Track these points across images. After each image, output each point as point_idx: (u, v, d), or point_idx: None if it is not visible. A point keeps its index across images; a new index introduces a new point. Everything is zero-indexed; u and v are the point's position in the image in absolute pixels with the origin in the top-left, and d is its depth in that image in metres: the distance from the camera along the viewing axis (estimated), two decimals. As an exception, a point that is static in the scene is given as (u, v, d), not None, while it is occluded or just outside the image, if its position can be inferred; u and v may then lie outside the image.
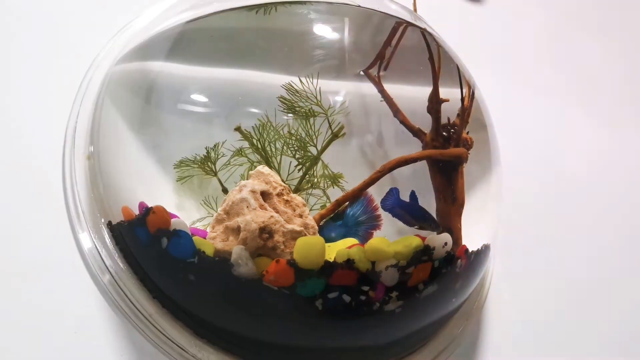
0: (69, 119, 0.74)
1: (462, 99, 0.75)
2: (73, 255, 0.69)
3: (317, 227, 0.68)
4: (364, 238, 0.70)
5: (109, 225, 0.69)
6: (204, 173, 0.71)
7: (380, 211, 0.71)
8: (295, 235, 0.64)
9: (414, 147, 0.74)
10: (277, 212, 0.66)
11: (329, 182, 0.71)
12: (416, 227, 0.70)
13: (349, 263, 0.62)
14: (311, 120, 0.70)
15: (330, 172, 0.71)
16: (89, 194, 0.70)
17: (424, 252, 0.65)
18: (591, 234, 1.00)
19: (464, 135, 0.74)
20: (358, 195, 0.71)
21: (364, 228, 0.71)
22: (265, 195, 0.67)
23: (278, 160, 0.71)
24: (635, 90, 1.17)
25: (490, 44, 1.12)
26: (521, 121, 1.06)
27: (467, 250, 0.71)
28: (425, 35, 0.77)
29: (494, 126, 0.80)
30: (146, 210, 0.64)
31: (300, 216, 0.68)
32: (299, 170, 0.71)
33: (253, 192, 0.66)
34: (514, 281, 0.91)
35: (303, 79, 0.70)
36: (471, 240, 0.72)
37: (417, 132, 0.73)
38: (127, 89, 0.74)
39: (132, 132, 0.72)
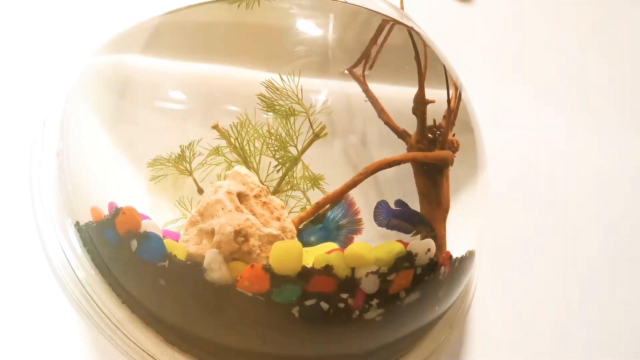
0: (37, 112, 0.72)
1: (449, 101, 0.72)
2: (37, 257, 0.67)
3: (295, 231, 0.66)
4: (345, 243, 0.68)
5: (77, 226, 0.66)
6: (179, 172, 0.69)
7: (362, 215, 0.69)
8: (272, 239, 0.62)
9: (399, 148, 0.72)
10: (254, 214, 0.64)
11: (309, 184, 0.69)
12: (413, 233, 0.68)
13: (328, 269, 0.60)
14: (292, 119, 0.68)
15: (310, 173, 0.69)
16: (57, 193, 0.68)
17: (406, 259, 0.63)
18: (580, 240, 0.98)
19: (450, 137, 0.72)
20: (339, 198, 0.69)
21: (345, 232, 0.69)
22: (241, 196, 0.64)
23: (257, 160, 0.69)
24: (627, 93, 1.15)
25: (480, 45, 1.11)
26: (509, 124, 1.04)
27: (451, 256, 0.69)
28: (412, 34, 0.75)
29: (481, 129, 0.77)
30: (116, 211, 0.62)
31: (278, 219, 0.66)
32: (278, 171, 0.69)
33: (229, 193, 0.64)
34: (499, 288, 0.90)
35: (284, 76, 0.68)
36: (455, 246, 0.70)
37: (401, 134, 0.71)
38: (100, 83, 0.71)
39: (104, 128, 0.69)
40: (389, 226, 0.67)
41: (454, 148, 0.72)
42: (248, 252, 0.61)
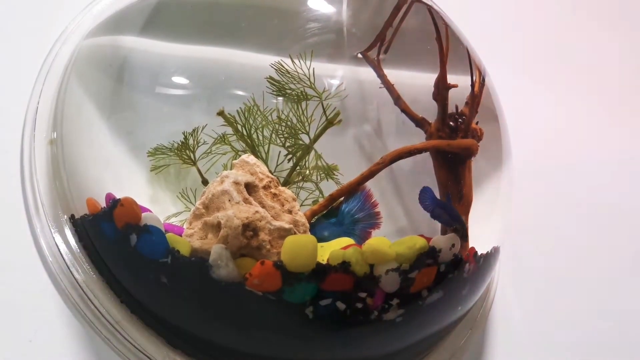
0: (30, 98, 0.68)
1: (472, 85, 0.68)
2: (30, 253, 0.63)
3: (308, 225, 0.62)
4: (362, 238, 0.65)
5: (72, 219, 0.63)
6: (182, 162, 0.66)
7: (380, 207, 0.66)
8: (283, 233, 0.58)
9: (417, 138, 0.68)
10: (264, 206, 0.60)
11: (323, 175, 0.66)
12: (452, 229, 0.64)
13: (344, 266, 0.57)
14: (303, 104, 0.65)
15: (324, 163, 0.66)
16: (50, 184, 0.64)
17: (429, 255, 0.60)
18: (606, 235, 0.95)
19: (473, 125, 0.69)
20: (355, 189, 0.66)
21: (362, 226, 0.66)
22: (250, 187, 0.61)
23: (266, 149, 0.66)
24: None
25: (503, 32, 1.07)
26: (534, 114, 1.01)
27: (476, 253, 0.65)
28: (433, 13, 0.70)
29: (505, 117, 0.72)
30: (113, 203, 0.58)
31: (290, 212, 0.62)
32: (289, 160, 0.66)
33: (236, 183, 0.60)
34: (521, 287, 0.86)
35: (295, 59, 0.64)
36: (479, 242, 0.67)
37: (420, 122, 0.68)
38: (97, 67, 0.68)
39: (101, 115, 0.66)
40: (434, 214, 0.64)
41: (478, 137, 0.69)
42: (257, 247, 0.57)
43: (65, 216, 0.63)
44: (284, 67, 0.64)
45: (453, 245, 0.61)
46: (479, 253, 0.66)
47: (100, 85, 0.67)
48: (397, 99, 0.69)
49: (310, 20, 0.69)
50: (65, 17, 0.73)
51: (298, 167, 0.66)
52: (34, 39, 0.73)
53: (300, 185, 0.66)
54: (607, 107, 1.07)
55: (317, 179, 0.66)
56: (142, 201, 0.61)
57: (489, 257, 0.69)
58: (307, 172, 0.66)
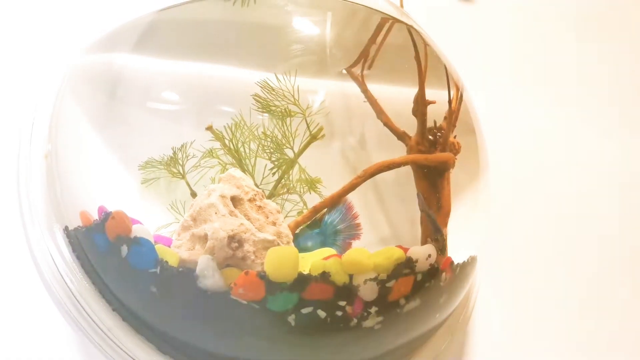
0: (25, 113, 0.70)
1: (450, 101, 0.70)
2: (25, 263, 0.65)
3: (291, 236, 0.64)
4: (342, 248, 0.66)
5: (66, 230, 0.65)
6: (171, 175, 0.67)
7: (360, 219, 0.67)
8: (267, 244, 0.60)
9: (398, 150, 0.70)
10: (249, 219, 0.62)
11: (306, 187, 0.67)
12: (432, 240, 0.66)
13: (325, 276, 0.59)
14: (288, 120, 0.66)
15: (307, 176, 0.67)
16: (45, 196, 0.66)
17: (406, 265, 0.62)
18: (585, 244, 0.97)
19: (451, 139, 0.71)
20: (337, 201, 0.67)
21: (343, 237, 0.67)
22: (236, 200, 0.63)
23: (252, 163, 0.68)
24: (632, 93, 1.12)
25: (481, 43, 1.09)
26: (513, 124, 1.02)
27: (452, 262, 0.67)
28: (412, 33, 0.73)
29: (483, 130, 0.75)
30: (105, 215, 0.60)
31: (274, 224, 0.64)
32: (274, 174, 0.67)
33: (223, 197, 0.62)
34: (501, 293, 0.88)
35: (280, 76, 0.66)
36: (457, 251, 0.69)
37: (401, 135, 0.70)
38: (90, 83, 0.70)
39: (94, 129, 0.68)
40: (422, 214, 0.67)
41: (455, 150, 0.71)
42: (242, 258, 0.59)
43: (60, 228, 0.65)
44: (269, 84, 0.66)
45: (429, 255, 0.63)
46: (456, 262, 0.68)
47: (93, 100, 0.69)
48: (380, 113, 0.70)
49: (296, 38, 0.71)
50: (61, 34, 0.75)
51: (283, 180, 0.67)
52: (31, 56, 0.75)
53: (285, 198, 0.68)
54: (586, 117, 1.08)
55: (300, 192, 0.67)
56: (133, 213, 0.62)
57: (466, 266, 0.70)
58: (292, 184, 0.67)
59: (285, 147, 0.67)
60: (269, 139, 0.66)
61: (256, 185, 0.66)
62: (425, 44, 0.74)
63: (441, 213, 0.69)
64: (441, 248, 0.66)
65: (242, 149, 0.67)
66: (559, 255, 0.94)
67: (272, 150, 0.67)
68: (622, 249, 0.97)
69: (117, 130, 0.69)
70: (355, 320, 0.61)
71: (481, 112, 0.78)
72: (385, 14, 0.75)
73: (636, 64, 1.17)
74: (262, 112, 0.66)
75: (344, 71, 0.71)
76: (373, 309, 0.61)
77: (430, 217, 0.65)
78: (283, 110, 0.66)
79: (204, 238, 0.60)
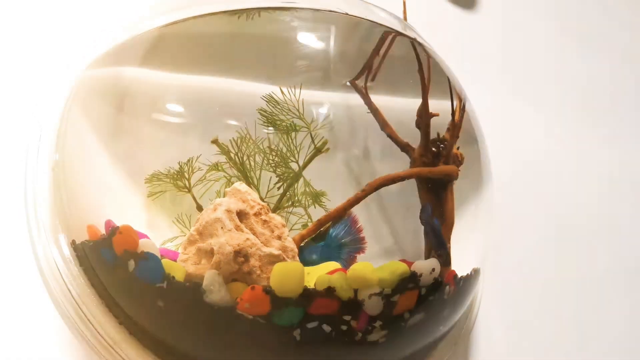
0: (33, 125, 0.70)
1: (453, 114, 0.70)
2: (32, 276, 0.65)
3: (296, 250, 0.65)
4: (347, 262, 0.67)
5: (73, 244, 0.65)
6: (177, 189, 0.67)
7: (365, 231, 0.67)
8: (272, 259, 0.61)
9: (402, 161, 0.71)
10: (254, 233, 0.63)
11: (311, 200, 0.67)
12: (437, 254, 0.67)
13: (330, 291, 0.59)
14: (293, 134, 0.67)
15: (312, 189, 0.68)
16: (52, 209, 0.66)
17: (410, 279, 0.62)
18: (588, 255, 0.97)
19: (455, 151, 0.71)
20: (341, 215, 0.68)
21: (347, 251, 0.67)
22: (241, 214, 0.63)
23: (257, 176, 0.68)
24: (634, 101, 1.13)
25: (484, 53, 1.09)
26: (516, 134, 1.02)
27: (455, 275, 0.68)
28: (415, 45, 0.74)
29: (486, 140, 0.76)
30: (112, 230, 0.61)
31: (279, 238, 0.64)
32: (279, 188, 0.67)
33: (228, 211, 0.62)
34: (504, 304, 0.88)
35: (285, 90, 0.67)
36: (460, 263, 0.69)
37: (405, 147, 0.70)
38: (98, 96, 0.70)
39: (101, 142, 0.68)
40: (425, 229, 0.67)
41: (459, 162, 0.72)
42: (248, 272, 0.60)
43: (67, 241, 0.65)
44: (274, 98, 0.66)
45: (433, 269, 0.64)
46: (459, 276, 0.69)
47: (100, 113, 0.69)
48: (384, 125, 0.71)
49: (301, 53, 0.72)
50: (69, 46, 0.76)
51: (287, 194, 0.68)
52: (38, 69, 0.76)
53: (290, 211, 0.68)
54: (588, 126, 1.09)
55: (305, 205, 0.68)
56: (139, 226, 0.63)
57: (469, 279, 0.71)
58: (297, 197, 0.68)
59: (290, 160, 0.67)
60: (274, 153, 0.66)
61: (261, 198, 0.67)
62: (429, 57, 0.74)
63: (445, 225, 0.70)
64: (445, 261, 0.67)
65: (247, 162, 0.67)
66: (562, 265, 0.95)
67: (277, 163, 0.67)
68: (627, 260, 0.98)
69: (123, 143, 0.69)
70: (360, 334, 0.61)
71: (485, 120, 0.78)
72: (388, 27, 0.75)
73: (636, 72, 1.16)
74: (267, 126, 0.67)
75: (348, 83, 0.72)
76: (378, 323, 0.61)
77: (434, 231, 0.65)
78: (288, 125, 0.66)
79: (210, 252, 0.60)
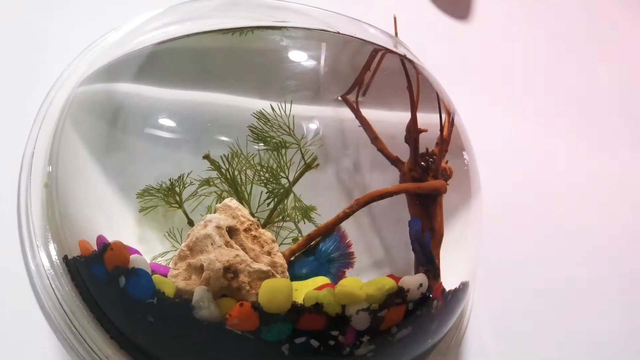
0: (27, 142, 0.71)
1: (441, 129, 0.71)
2: (25, 290, 0.66)
3: (286, 265, 0.65)
4: (337, 277, 0.68)
5: (65, 259, 0.66)
6: (168, 205, 0.68)
7: (356, 245, 0.68)
8: (261, 275, 0.62)
9: (393, 174, 0.72)
10: (244, 249, 0.63)
11: (300, 216, 0.68)
12: (425, 269, 0.67)
13: (318, 307, 0.60)
14: (283, 151, 0.68)
15: (302, 204, 0.68)
16: (45, 225, 0.67)
17: (398, 295, 0.63)
18: (577, 266, 0.97)
19: (443, 164, 0.72)
20: (331, 230, 0.68)
21: (337, 266, 0.68)
22: (232, 231, 0.64)
23: (248, 191, 0.69)
24: (624, 115, 1.14)
25: (476, 64, 1.09)
26: (507, 145, 1.03)
27: (443, 290, 0.68)
28: (404, 62, 0.75)
29: (475, 152, 0.77)
30: (104, 246, 0.61)
31: (269, 253, 0.65)
32: (269, 204, 0.68)
33: (218, 227, 0.63)
34: (494, 314, 0.89)
35: (275, 106, 0.68)
36: (449, 276, 0.70)
37: (395, 161, 0.71)
38: (91, 112, 0.71)
39: (93, 157, 0.69)
40: (412, 244, 0.68)
41: (447, 175, 0.73)
42: (238, 288, 0.60)
43: (59, 256, 0.66)
44: (264, 115, 0.67)
45: (421, 285, 0.64)
46: (447, 290, 0.69)
47: (93, 129, 0.70)
48: (375, 139, 0.72)
49: (292, 67, 0.73)
50: (62, 63, 0.76)
51: (278, 209, 0.68)
52: (31, 85, 0.76)
53: (280, 225, 0.69)
54: (578, 137, 1.10)
55: (296, 220, 0.69)
56: (131, 241, 0.64)
57: (457, 293, 0.71)
58: (287, 212, 0.68)
59: (280, 176, 0.68)
60: (264, 169, 0.67)
61: (252, 214, 0.67)
62: (417, 73, 0.75)
63: (434, 238, 0.70)
64: (433, 275, 0.67)
65: (238, 178, 0.68)
66: (551, 276, 0.95)
67: (267, 179, 0.68)
68: (619, 269, 0.99)
69: (116, 159, 0.70)
70: (348, 349, 0.62)
71: (475, 131, 0.79)
72: (378, 45, 0.77)
73: (626, 83, 1.17)
74: (258, 142, 0.67)
75: (339, 98, 0.72)
76: (365, 338, 0.62)
77: (422, 247, 0.66)
78: (278, 142, 0.67)
79: (200, 268, 0.60)
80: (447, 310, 0.71)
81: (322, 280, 0.66)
